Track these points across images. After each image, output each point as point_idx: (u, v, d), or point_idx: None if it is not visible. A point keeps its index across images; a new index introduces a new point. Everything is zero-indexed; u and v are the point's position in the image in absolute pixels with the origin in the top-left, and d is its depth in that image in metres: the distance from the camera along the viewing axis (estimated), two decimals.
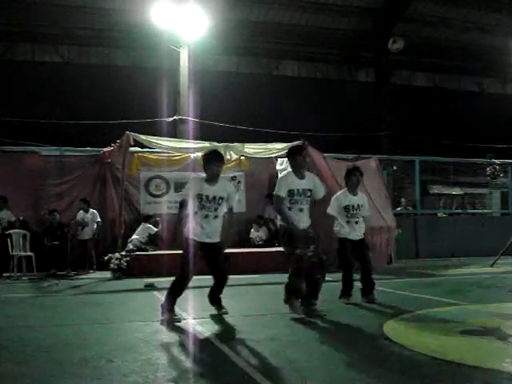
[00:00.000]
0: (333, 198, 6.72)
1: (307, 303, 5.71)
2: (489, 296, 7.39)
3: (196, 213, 5.55)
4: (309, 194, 5.69)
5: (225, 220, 5.77)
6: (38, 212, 11.41)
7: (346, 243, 6.55)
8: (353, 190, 6.74)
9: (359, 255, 6.69)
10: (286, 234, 5.64)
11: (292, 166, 5.79)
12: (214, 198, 5.55)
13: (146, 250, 11.00)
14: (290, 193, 5.62)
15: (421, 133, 19.77)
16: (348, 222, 6.55)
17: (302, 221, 5.67)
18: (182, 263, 5.57)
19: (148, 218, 11.60)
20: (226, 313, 5.78)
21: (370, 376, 3.52)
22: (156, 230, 11.43)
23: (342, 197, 6.69)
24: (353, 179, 6.73)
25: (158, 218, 11.82)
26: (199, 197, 5.51)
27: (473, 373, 3.54)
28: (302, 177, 5.70)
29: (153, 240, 11.50)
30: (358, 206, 6.64)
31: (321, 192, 5.84)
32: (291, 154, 5.82)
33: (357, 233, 6.62)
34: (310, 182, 5.75)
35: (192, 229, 5.57)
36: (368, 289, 6.60)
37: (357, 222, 6.61)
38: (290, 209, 5.65)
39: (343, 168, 12.49)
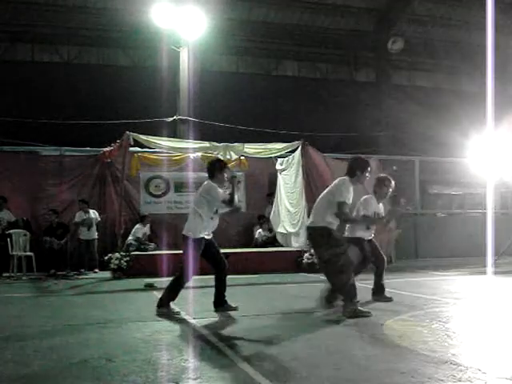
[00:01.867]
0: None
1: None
2: (489, 296, 7.39)
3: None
4: None
5: None
6: (38, 212, 11.41)
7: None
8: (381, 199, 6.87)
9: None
10: (329, 235, 5.64)
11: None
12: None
13: (146, 250, 11.00)
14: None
15: (421, 133, 19.76)
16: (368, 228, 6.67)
17: None
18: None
19: (143, 218, 11.57)
20: (236, 309, 5.90)
21: (370, 376, 3.52)
22: (143, 233, 11.36)
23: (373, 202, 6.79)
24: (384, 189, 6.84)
25: (149, 218, 11.75)
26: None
27: (473, 373, 3.54)
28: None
29: (151, 239, 11.51)
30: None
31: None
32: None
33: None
34: None
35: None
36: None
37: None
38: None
39: (343, 168, 12.54)
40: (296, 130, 14.41)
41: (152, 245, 11.27)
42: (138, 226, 11.36)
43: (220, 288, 6.01)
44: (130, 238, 11.16)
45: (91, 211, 11.20)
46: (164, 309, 5.84)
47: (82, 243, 11.11)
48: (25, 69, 18.23)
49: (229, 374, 3.58)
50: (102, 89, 17.90)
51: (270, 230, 12.71)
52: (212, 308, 5.99)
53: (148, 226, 11.63)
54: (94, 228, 11.16)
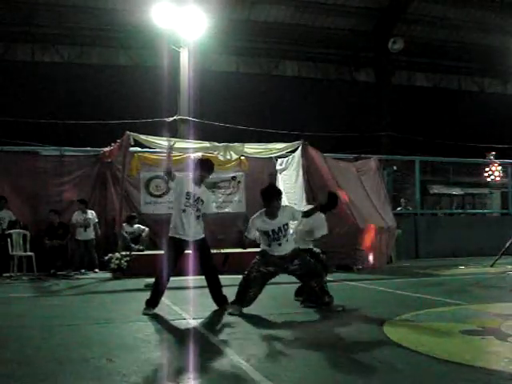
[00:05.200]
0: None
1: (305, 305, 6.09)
2: (489, 296, 7.39)
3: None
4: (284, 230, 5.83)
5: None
6: (38, 212, 11.39)
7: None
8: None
9: None
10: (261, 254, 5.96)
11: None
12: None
13: (142, 250, 10.99)
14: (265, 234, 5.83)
15: (421, 133, 19.78)
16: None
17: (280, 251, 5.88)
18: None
19: (129, 219, 11.45)
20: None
21: (370, 376, 3.52)
22: (129, 232, 11.32)
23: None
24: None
25: (136, 218, 11.70)
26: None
27: (473, 373, 3.54)
28: (273, 217, 5.80)
29: (138, 239, 11.41)
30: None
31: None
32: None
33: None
34: (282, 220, 5.83)
35: None
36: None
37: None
38: (269, 245, 5.88)
39: (343, 168, 12.56)
40: (296, 130, 14.42)
41: (136, 246, 11.09)
42: (123, 225, 11.28)
43: (212, 287, 6.04)
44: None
45: (89, 212, 11.19)
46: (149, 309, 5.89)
47: (80, 243, 11.10)
48: (25, 69, 18.24)
49: (229, 374, 3.58)
50: (102, 89, 17.91)
51: None
52: (212, 308, 5.98)
53: (137, 226, 11.52)
54: (91, 228, 11.15)
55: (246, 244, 6.18)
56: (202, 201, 5.99)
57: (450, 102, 22.60)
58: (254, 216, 5.92)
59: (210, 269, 6.04)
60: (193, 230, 5.90)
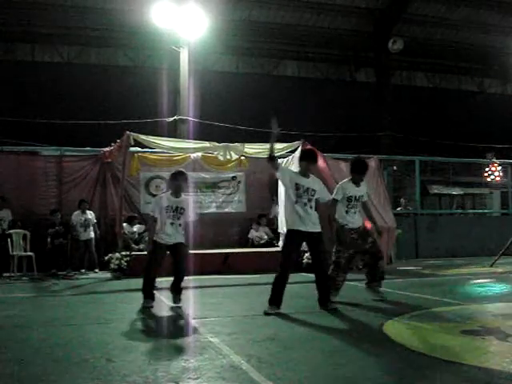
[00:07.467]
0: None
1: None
2: (489, 296, 7.39)
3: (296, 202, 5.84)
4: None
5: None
6: (38, 212, 11.40)
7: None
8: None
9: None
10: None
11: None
12: (308, 189, 5.89)
13: (142, 250, 10.98)
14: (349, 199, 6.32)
15: (421, 133, 19.78)
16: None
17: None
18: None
19: (130, 219, 11.46)
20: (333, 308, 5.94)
21: (370, 376, 3.52)
22: (129, 232, 11.32)
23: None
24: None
25: (137, 219, 11.73)
26: (297, 186, 5.86)
27: (473, 373, 3.54)
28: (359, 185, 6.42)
29: (139, 240, 11.41)
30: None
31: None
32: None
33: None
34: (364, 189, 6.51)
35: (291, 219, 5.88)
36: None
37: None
38: (346, 212, 6.32)
39: (343, 168, 12.54)
40: (296, 130, 14.41)
41: (136, 247, 11.06)
42: (124, 225, 11.28)
43: (318, 287, 6.05)
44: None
45: (88, 212, 11.20)
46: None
47: (80, 243, 11.11)
48: (25, 69, 18.24)
49: (229, 373, 3.58)
50: (101, 89, 17.92)
51: (274, 230, 12.61)
52: (212, 308, 5.98)
53: (138, 226, 11.53)
54: (91, 228, 11.16)
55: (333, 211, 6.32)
56: (313, 190, 5.93)
57: (450, 102, 22.59)
58: (342, 182, 6.45)
59: (318, 265, 6.01)
60: (310, 221, 5.87)
